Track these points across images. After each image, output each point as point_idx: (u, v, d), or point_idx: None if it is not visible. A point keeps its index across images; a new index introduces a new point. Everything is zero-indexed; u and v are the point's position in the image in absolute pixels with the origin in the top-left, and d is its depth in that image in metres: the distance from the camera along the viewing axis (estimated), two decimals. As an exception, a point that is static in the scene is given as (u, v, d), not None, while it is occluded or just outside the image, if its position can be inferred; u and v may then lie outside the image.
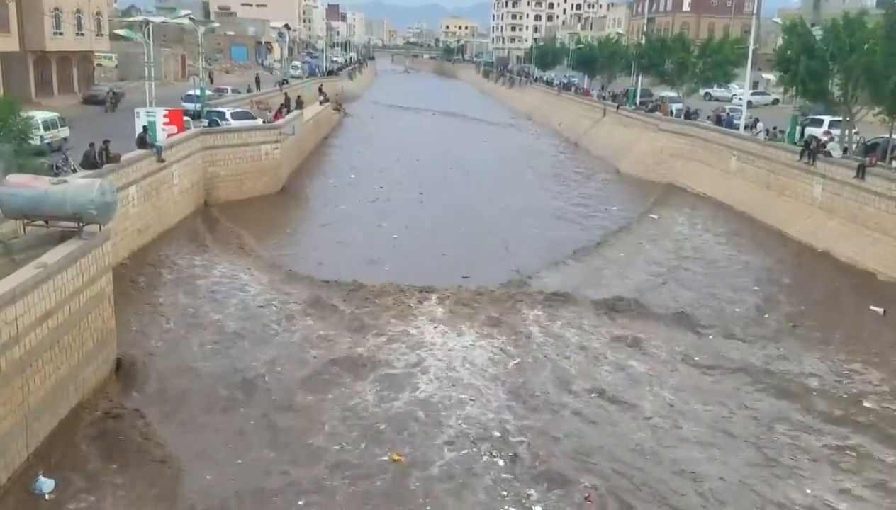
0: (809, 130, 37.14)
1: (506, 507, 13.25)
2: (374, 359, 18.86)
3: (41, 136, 27.78)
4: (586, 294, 24.01)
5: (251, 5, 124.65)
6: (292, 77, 77.19)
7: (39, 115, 29.22)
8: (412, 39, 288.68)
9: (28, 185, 15.28)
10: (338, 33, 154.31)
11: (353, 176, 41.72)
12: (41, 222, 15.88)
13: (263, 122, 39.54)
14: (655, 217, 36.47)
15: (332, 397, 16.92)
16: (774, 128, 38.22)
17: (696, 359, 19.83)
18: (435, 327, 21.02)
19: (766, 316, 23.29)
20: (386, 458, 14.51)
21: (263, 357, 18.64)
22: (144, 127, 27.68)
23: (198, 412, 15.93)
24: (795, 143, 35.26)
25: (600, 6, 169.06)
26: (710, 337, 21.32)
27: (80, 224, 15.58)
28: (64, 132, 30.54)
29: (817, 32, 33.57)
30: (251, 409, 16.17)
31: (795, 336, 21.58)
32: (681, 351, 20.21)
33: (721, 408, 17.19)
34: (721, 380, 18.73)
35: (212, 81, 52.24)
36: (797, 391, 18.03)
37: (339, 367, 18.32)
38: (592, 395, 17.55)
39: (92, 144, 23.12)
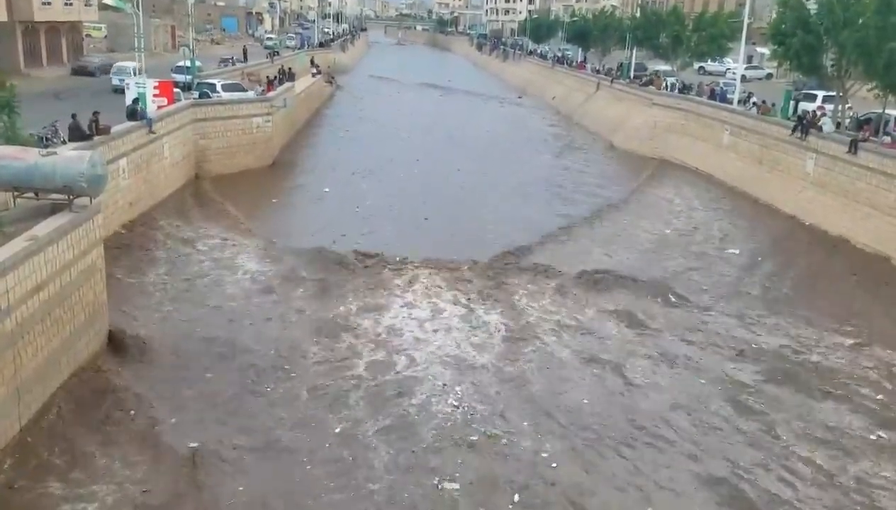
0: (803, 105, 37.13)
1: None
2: (358, 327, 19.01)
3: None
4: (576, 268, 23.97)
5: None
6: (269, 46, 75.28)
7: (130, 64, 37.29)
8: (405, 11, 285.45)
9: (17, 157, 15.15)
10: (329, 4, 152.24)
11: (327, 189, 34.31)
12: (31, 194, 15.80)
13: (256, 94, 39.24)
14: (648, 192, 36.50)
15: (316, 362, 17.14)
16: (764, 102, 38.18)
17: (680, 331, 19.93)
18: (421, 298, 21.12)
19: (754, 290, 23.39)
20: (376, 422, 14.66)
21: (252, 328, 18.73)
22: (135, 99, 27.42)
23: (190, 383, 15.94)
24: (789, 118, 35.26)
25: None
26: (697, 311, 21.37)
27: (71, 196, 15.49)
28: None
29: (812, 6, 33.43)
30: (244, 380, 16.24)
31: (783, 309, 21.68)
32: (666, 323, 20.30)
33: (699, 380, 17.35)
34: (703, 352, 18.81)
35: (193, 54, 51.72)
36: (788, 368, 18.13)
37: (321, 335, 18.49)
38: (583, 366, 17.69)
39: (74, 116, 22.86)
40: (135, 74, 35.31)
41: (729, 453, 14.49)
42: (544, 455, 14.12)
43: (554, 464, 13.84)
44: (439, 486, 13.11)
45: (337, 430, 14.55)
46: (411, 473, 13.44)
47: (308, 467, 13.44)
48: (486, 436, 14.63)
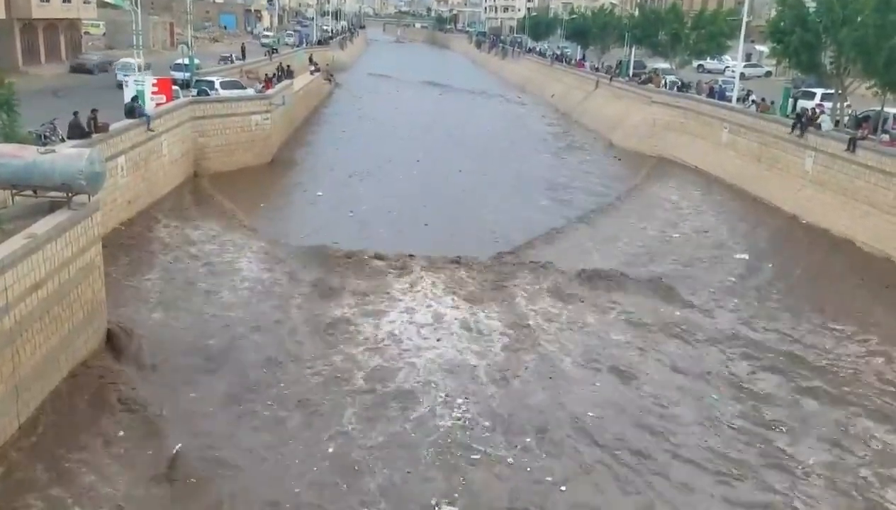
0: (802, 103, 37.14)
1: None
2: (357, 334, 18.85)
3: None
4: (577, 268, 23.83)
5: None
6: (268, 44, 75.08)
7: (134, 60, 35.45)
8: (404, 8, 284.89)
9: (15, 155, 15.12)
10: (328, 1, 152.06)
11: (320, 193, 33.23)
12: (30, 192, 15.78)
13: (254, 92, 39.20)
14: (647, 190, 36.48)
15: (312, 373, 16.90)
16: (763, 99, 38.19)
17: (678, 329, 19.91)
18: (421, 302, 21.01)
19: (758, 292, 23.28)
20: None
21: (248, 334, 18.49)
22: (134, 96, 27.39)
23: (181, 395, 15.63)
24: (787, 116, 35.27)
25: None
26: (702, 314, 21.28)
27: (69, 194, 15.46)
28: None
29: (811, 4, 33.43)
30: (235, 393, 15.89)
31: (790, 313, 21.56)
32: (671, 327, 20.18)
33: (711, 392, 17.07)
34: (713, 359, 18.64)
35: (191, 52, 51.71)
36: (802, 376, 17.79)
37: (318, 342, 18.32)
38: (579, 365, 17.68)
39: (76, 113, 22.86)
40: (140, 70, 35.70)
41: (748, 475, 13.87)
42: (549, 478, 13.42)
43: (563, 489, 13.16)
44: (437, 509, 12.60)
45: (330, 450, 13.97)
46: (408, 495, 12.78)
47: (297, 490, 12.85)
48: (488, 454, 13.95)
